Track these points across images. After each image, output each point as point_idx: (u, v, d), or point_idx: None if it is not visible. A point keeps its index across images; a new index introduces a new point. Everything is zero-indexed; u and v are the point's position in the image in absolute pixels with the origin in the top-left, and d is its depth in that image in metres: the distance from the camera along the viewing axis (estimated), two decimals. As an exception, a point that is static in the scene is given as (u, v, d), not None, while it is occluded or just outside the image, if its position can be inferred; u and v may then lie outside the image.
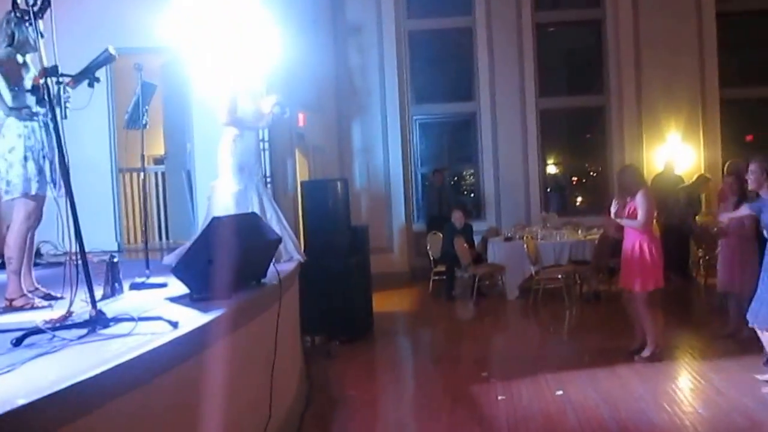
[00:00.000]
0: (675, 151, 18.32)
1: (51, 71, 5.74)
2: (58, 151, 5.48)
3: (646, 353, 10.35)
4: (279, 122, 11.51)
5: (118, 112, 13.03)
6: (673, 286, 15.15)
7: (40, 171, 6.62)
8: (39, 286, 7.03)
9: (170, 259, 9.21)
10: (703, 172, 17.44)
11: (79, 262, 5.28)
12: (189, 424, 5.00)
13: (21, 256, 6.71)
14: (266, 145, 12.87)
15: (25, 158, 6.56)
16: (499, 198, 19.28)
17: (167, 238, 14.94)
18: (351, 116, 19.00)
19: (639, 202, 10.17)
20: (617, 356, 10.46)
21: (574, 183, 21.47)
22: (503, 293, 15.78)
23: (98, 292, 5.60)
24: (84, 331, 4.89)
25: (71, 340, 4.68)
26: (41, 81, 5.70)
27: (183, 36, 9.88)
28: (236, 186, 9.32)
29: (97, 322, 5.00)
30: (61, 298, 6.52)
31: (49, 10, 5.78)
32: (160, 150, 14.65)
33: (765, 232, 8.80)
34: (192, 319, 5.35)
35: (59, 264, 9.75)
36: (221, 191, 9.40)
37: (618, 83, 19.02)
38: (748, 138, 20.18)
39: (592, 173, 20.94)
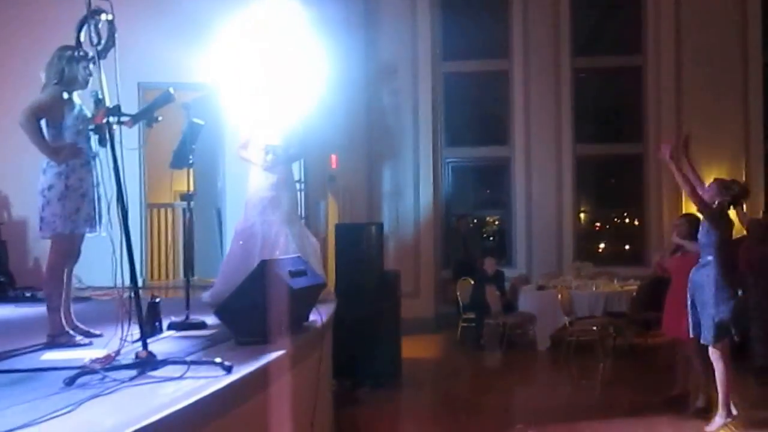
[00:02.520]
0: None
1: (112, 111, 5.67)
2: (118, 190, 5.39)
3: (700, 404, 10.01)
4: (313, 163, 11.43)
5: (148, 148, 12.98)
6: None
7: (78, 210, 6.58)
8: (78, 324, 6.91)
9: (207, 296, 9.11)
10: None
11: (127, 300, 5.21)
12: None
13: (59, 294, 6.66)
14: (302, 185, 12.78)
15: (64, 196, 6.53)
16: (531, 245, 18.91)
17: (192, 275, 14.80)
18: (382, 158, 18.74)
19: (692, 246, 10.07)
20: (655, 412, 10.15)
21: (608, 232, 21.01)
22: (534, 343, 15.38)
23: (137, 331, 5.45)
24: (134, 372, 4.80)
25: (123, 382, 4.57)
26: (103, 120, 5.64)
27: (218, 73, 9.83)
28: (245, 222, 9.38)
29: (147, 363, 4.87)
30: (100, 335, 6.58)
31: (112, 50, 5.74)
32: (185, 186, 14.59)
33: None
34: (242, 362, 5.19)
35: (84, 299, 9.74)
36: (240, 228, 9.42)
37: (657, 132, 18.56)
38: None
39: (627, 222, 20.55)
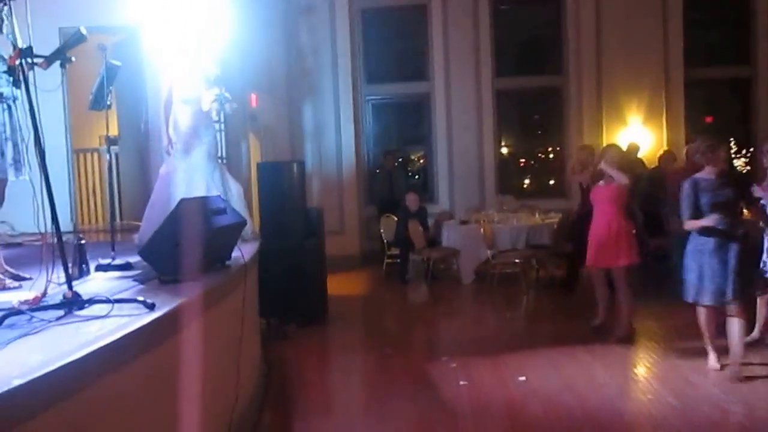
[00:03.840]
0: (636, 134, 18.07)
1: (25, 52, 5.68)
2: (34, 132, 5.41)
3: (620, 332, 10.46)
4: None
5: (72, 93, 12.90)
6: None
7: (2, 154, 6.59)
8: (8, 268, 6.98)
9: (136, 238, 9.19)
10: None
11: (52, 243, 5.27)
12: (163, 406, 5.01)
13: None
14: (222, 126, 12.83)
15: None
16: (453, 180, 19.08)
17: (121, 218, 14.83)
18: (302, 97, 18.77)
19: (618, 176, 10.28)
20: (577, 341, 10.41)
21: (531, 165, 21.05)
22: (458, 277, 15.60)
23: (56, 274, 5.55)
24: (61, 312, 4.86)
25: (50, 321, 4.65)
26: (16, 62, 5.65)
27: (139, 15, 9.81)
28: (167, 166, 9.34)
29: (73, 303, 4.96)
30: (30, 278, 6.57)
31: None
32: (112, 131, 14.53)
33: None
34: (164, 300, 5.29)
35: (16, 244, 9.77)
36: (164, 172, 9.37)
37: (577, 63, 18.76)
38: (708, 119, 20.08)
39: (549, 156, 20.66)
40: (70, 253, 6.50)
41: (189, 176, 9.18)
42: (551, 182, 20.23)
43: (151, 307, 4.95)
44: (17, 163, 6.68)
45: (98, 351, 3.94)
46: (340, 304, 13.58)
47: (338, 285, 14.49)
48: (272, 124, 17.60)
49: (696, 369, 8.96)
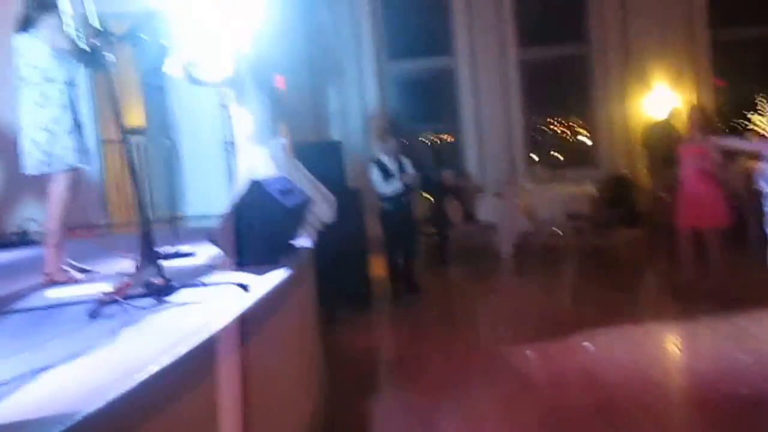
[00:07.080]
0: (662, 99, 17.66)
1: (103, 33, 5.59)
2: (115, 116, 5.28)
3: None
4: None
5: (99, 81, 12.70)
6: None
7: (84, 142, 6.56)
8: (71, 261, 6.79)
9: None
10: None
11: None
12: (270, 385, 4.88)
13: (63, 230, 6.51)
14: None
15: (73, 129, 6.44)
16: (483, 154, 18.71)
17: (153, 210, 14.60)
18: (325, 77, 18.54)
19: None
20: (634, 309, 10.30)
21: (559, 135, 20.58)
22: (496, 252, 15.30)
23: (130, 264, 5.40)
24: (153, 299, 4.70)
25: (145, 308, 4.49)
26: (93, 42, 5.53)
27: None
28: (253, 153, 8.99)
29: (165, 289, 4.75)
30: (91, 271, 6.58)
31: None
32: (138, 121, 14.30)
33: None
34: (257, 282, 5.08)
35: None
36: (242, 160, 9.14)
37: (601, 30, 18.42)
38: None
39: (577, 125, 20.29)
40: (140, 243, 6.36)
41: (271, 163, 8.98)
42: (579, 151, 19.86)
43: (246, 288, 4.76)
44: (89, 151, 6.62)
45: (217, 333, 3.78)
46: (383, 286, 13.24)
47: (377, 266, 14.19)
48: (296, 105, 17.36)
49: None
